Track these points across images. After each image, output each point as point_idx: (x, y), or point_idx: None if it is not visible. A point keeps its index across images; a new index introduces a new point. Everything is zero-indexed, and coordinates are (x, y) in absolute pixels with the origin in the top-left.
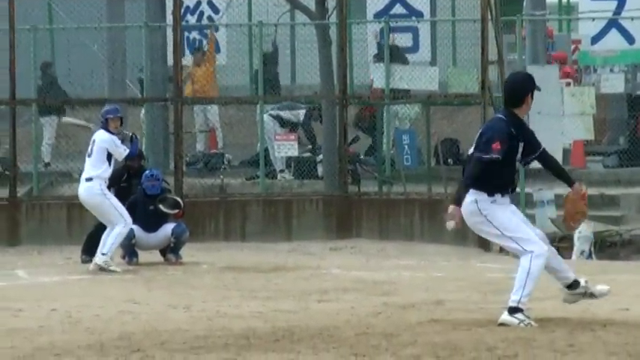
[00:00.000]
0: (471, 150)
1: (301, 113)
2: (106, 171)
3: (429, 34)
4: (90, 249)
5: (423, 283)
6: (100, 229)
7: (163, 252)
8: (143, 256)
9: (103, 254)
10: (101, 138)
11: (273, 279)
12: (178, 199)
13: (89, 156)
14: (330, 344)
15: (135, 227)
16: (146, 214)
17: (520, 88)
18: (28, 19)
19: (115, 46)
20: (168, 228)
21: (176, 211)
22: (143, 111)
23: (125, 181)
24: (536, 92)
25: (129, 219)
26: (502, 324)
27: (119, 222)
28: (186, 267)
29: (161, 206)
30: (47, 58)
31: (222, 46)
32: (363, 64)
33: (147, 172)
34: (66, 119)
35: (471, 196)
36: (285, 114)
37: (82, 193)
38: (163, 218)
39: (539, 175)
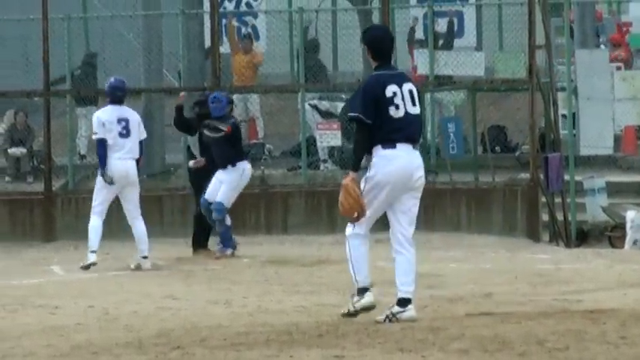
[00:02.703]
0: (418, 110)
1: (339, 106)
2: None
3: (474, 18)
4: (199, 240)
5: (471, 275)
6: (201, 216)
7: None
8: (182, 251)
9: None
10: (135, 116)
11: (316, 272)
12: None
13: (127, 136)
14: (376, 339)
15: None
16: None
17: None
18: (62, 7)
19: (151, 34)
20: (240, 166)
21: (226, 128)
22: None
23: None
24: (585, 76)
25: None
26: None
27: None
28: (226, 261)
29: (206, 131)
30: (82, 48)
31: (262, 33)
32: (406, 50)
33: (210, 96)
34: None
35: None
36: (323, 105)
37: (133, 171)
38: (232, 151)
39: (589, 162)
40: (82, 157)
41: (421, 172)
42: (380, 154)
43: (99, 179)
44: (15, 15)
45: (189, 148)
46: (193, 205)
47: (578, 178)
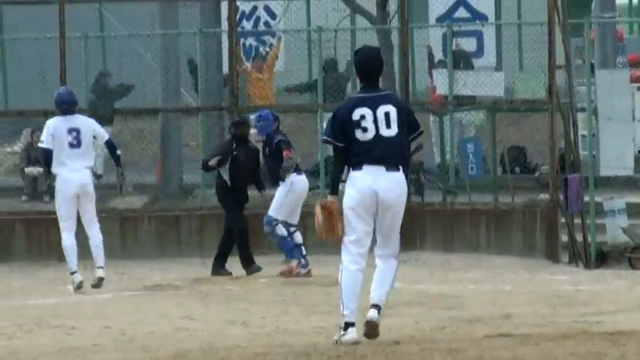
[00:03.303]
0: (393, 131)
1: None
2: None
3: (494, 38)
4: (221, 262)
5: (490, 296)
6: (228, 236)
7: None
8: (199, 271)
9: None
10: (87, 124)
11: (334, 293)
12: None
13: (78, 147)
14: None
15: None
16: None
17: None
18: (79, 26)
19: (169, 53)
20: (289, 180)
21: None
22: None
23: (235, 149)
24: (605, 97)
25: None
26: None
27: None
28: (243, 281)
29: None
30: (99, 67)
31: (280, 52)
32: (425, 70)
33: (256, 115)
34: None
35: (402, 175)
36: None
37: (88, 181)
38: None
39: (609, 183)
40: (99, 176)
41: (390, 195)
42: (349, 176)
43: (56, 195)
44: (32, 34)
45: (218, 172)
46: (211, 224)
47: (598, 199)
